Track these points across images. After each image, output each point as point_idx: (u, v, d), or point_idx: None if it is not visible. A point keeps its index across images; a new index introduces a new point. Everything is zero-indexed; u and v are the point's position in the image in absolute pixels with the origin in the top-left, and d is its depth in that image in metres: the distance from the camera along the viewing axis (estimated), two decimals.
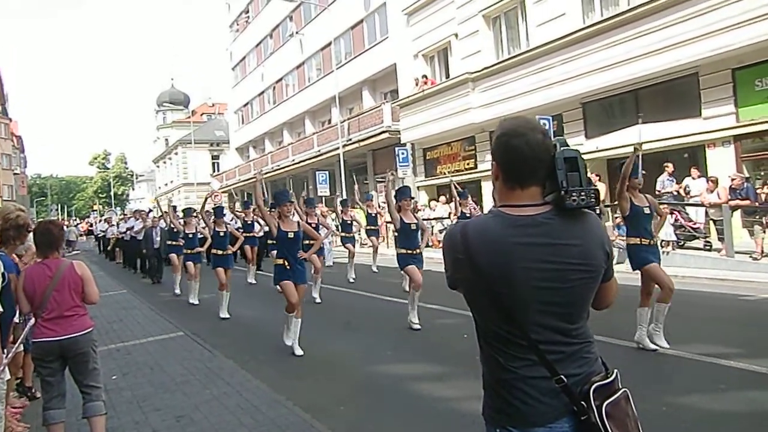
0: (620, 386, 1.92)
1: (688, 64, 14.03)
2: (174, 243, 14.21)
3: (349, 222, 15.15)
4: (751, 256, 12.09)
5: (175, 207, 15.37)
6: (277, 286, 7.95)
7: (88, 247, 39.57)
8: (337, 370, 6.88)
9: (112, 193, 78.68)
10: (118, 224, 24.66)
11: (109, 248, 27.40)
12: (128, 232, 20.02)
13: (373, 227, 15.73)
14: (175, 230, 13.96)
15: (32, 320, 4.46)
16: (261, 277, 15.23)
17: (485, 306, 1.92)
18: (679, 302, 7.19)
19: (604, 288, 2.01)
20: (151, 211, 22.42)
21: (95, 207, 71.60)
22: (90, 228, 43.79)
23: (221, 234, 11.41)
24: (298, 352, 7.43)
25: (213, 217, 13.11)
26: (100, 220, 35.44)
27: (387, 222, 21.53)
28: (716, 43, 13.09)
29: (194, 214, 13.57)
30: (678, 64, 14.04)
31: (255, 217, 15.58)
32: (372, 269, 15.51)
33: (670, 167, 14.43)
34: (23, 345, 5.27)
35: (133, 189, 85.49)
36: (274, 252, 13.02)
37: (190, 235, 13.00)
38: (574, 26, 16.76)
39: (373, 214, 15.68)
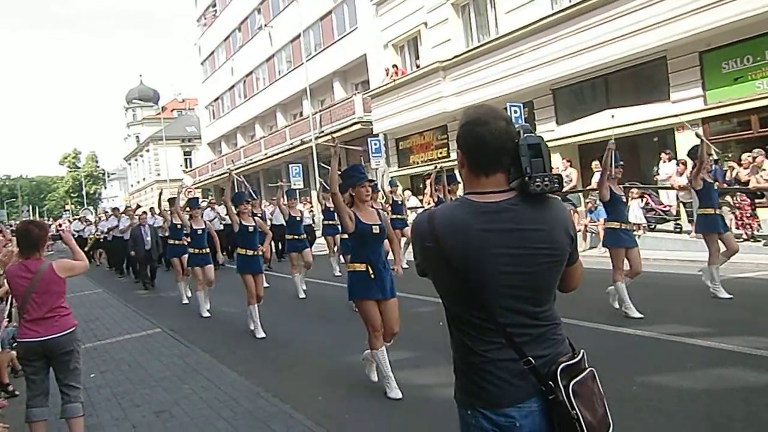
0: (586, 366, 1.98)
1: (656, 48, 14.17)
2: (177, 242, 12.04)
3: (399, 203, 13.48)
4: None
5: (171, 200, 12.89)
6: (352, 303, 6.15)
7: (61, 247, 38.99)
8: (314, 361, 6.92)
9: (84, 193, 77.54)
10: (96, 224, 23.24)
11: (86, 249, 25.35)
12: (111, 231, 18.56)
13: (399, 217, 13.43)
14: (178, 227, 11.78)
15: (4, 321, 4.47)
16: (273, 279, 13.34)
17: (453, 292, 1.97)
18: (650, 284, 7.37)
19: (569, 271, 2.06)
20: (139, 206, 21.79)
21: (67, 207, 70.52)
22: (59, 228, 42.96)
23: (249, 229, 8.71)
24: (396, 395, 5.32)
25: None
26: (73, 220, 34.32)
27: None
28: (684, 26, 13.23)
29: (205, 204, 12.03)
30: (646, 48, 14.17)
31: (262, 209, 13.89)
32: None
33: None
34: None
35: (105, 188, 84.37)
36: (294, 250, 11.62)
37: (199, 232, 10.57)
38: (543, 12, 16.84)
39: (399, 202, 13.93)
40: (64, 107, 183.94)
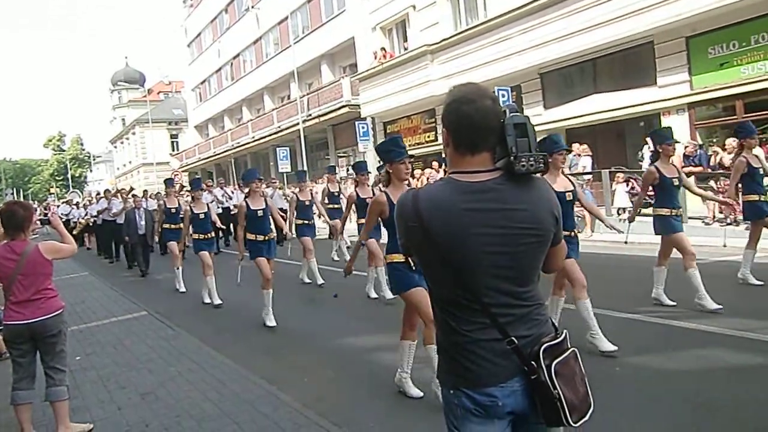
0: (569, 346, 2.00)
1: (643, 33, 14.21)
2: (174, 227, 11.36)
3: None
4: (703, 221, 12.44)
5: (170, 180, 12.19)
6: (394, 296, 6.02)
7: (46, 230, 38.72)
8: (300, 344, 6.93)
9: (69, 176, 76.87)
10: (85, 206, 22.45)
11: (74, 233, 23.34)
12: (100, 215, 17.66)
13: None
14: (173, 211, 11.33)
15: None
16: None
17: (438, 271, 1.97)
18: (633, 267, 7.42)
19: (553, 251, 2.07)
20: (132, 189, 21.26)
21: (52, 190, 69.97)
22: (45, 212, 42.50)
23: (259, 214, 7.91)
24: (418, 392, 4.87)
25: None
26: (59, 204, 33.57)
27: None
28: (671, 11, 13.27)
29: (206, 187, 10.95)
30: (634, 33, 14.21)
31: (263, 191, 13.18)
32: None
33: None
34: None
35: (91, 171, 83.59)
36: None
37: (201, 216, 9.74)
38: None
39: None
40: (49, 89, 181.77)
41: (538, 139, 5.25)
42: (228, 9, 38.82)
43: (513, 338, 1.90)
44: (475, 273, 1.90)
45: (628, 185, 14.09)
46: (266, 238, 7.94)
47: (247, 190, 8.05)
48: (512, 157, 1.90)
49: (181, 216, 10.83)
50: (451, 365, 1.99)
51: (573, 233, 5.79)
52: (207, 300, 9.75)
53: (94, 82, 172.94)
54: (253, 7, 33.92)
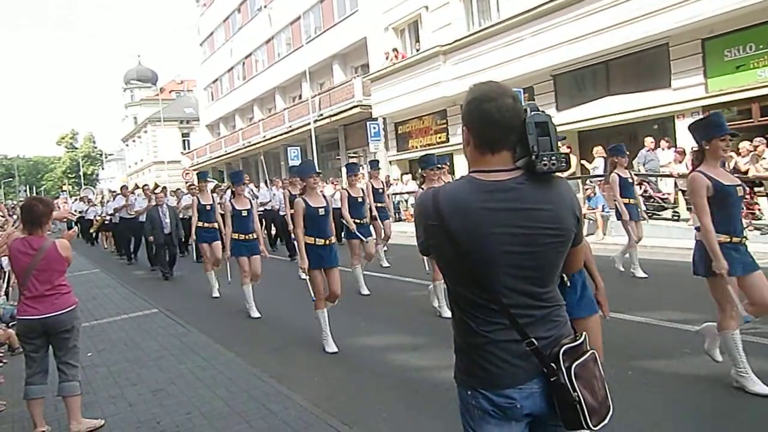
0: (588, 348, 1.97)
1: (658, 35, 14.07)
2: (207, 225, 10.42)
3: None
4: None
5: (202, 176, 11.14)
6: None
7: (57, 228, 38.96)
8: (310, 343, 6.90)
9: (81, 173, 77.33)
10: (101, 204, 21.91)
11: (91, 231, 22.62)
12: (117, 213, 16.54)
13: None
14: (207, 208, 10.40)
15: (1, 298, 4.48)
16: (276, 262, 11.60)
17: (457, 271, 1.95)
18: (647, 271, 7.34)
19: (573, 252, 2.05)
20: (157, 186, 20.72)
21: (65, 187, 70.45)
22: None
23: (320, 212, 6.46)
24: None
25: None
26: (75, 200, 33.21)
27: None
28: (686, 13, 13.13)
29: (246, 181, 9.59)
30: (648, 35, 14.06)
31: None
32: None
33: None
34: None
35: (103, 168, 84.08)
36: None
37: (243, 213, 8.57)
38: None
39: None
40: (62, 87, 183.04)
41: (698, 119, 4.58)
42: (240, 8, 38.92)
43: (532, 339, 1.88)
44: (494, 273, 1.87)
45: (641, 188, 13.98)
46: (327, 242, 6.57)
47: (303, 185, 6.65)
48: (533, 156, 1.88)
49: (216, 214, 10.25)
50: (469, 366, 1.97)
51: (741, 240, 4.53)
52: (253, 313, 8.58)
53: (108, 80, 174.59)
54: (265, 6, 34.00)
